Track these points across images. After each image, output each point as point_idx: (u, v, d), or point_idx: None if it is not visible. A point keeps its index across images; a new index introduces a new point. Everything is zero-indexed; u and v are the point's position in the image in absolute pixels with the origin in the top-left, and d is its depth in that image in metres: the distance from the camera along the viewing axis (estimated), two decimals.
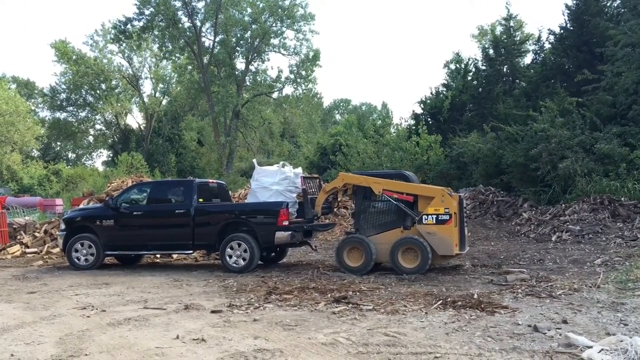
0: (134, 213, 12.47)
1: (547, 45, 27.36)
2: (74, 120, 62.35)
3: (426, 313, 7.15)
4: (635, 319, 6.57)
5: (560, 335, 5.85)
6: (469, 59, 33.16)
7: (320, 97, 60.32)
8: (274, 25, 48.15)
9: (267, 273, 11.27)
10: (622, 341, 5.26)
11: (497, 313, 7.03)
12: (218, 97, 47.12)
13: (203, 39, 48.71)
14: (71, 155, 70.34)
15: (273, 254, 13.13)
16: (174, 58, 52.40)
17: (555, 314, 6.94)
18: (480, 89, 29.22)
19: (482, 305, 7.35)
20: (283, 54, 49.42)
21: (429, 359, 5.27)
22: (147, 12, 46.56)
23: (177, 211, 12.22)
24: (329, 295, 8.45)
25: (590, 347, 5.29)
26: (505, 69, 28.49)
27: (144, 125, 61.83)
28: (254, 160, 13.75)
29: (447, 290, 8.81)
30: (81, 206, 17.02)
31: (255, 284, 9.82)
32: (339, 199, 12.30)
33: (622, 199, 15.79)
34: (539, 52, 28.34)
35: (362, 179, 11.16)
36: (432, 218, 10.33)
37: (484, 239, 16.01)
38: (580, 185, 16.79)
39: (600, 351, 5.16)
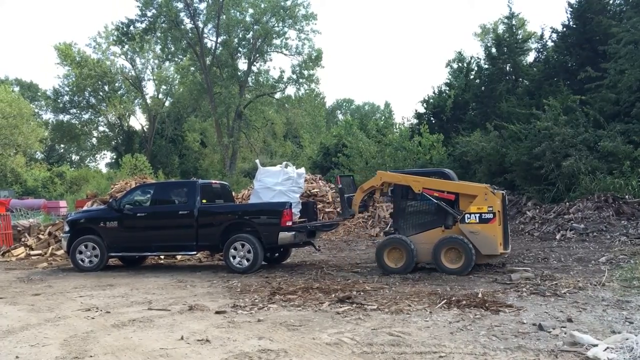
0: (138, 214, 12.49)
1: (549, 43, 27.28)
2: (77, 122, 62.56)
3: (430, 312, 7.14)
4: None
5: (565, 333, 5.82)
6: (471, 58, 33.10)
7: (322, 97, 60.33)
8: (275, 25, 48.20)
9: (271, 273, 11.26)
10: (627, 339, 5.25)
11: (502, 312, 7.01)
12: (220, 98, 47.19)
13: (205, 40, 48.85)
14: (75, 157, 70.62)
15: (277, 254, 13.12)
16: (176, 59, 52.54)
17: (560, 312, 6.92)
18: (483, 88, 29.14)
19: (487, 304, 7.33)
20: (285, 54, 49.54)
21: (433, 358, 5.26)
22: (149, 13, 46.77)
23: (180, 212, 12.23)
24: (333, 295, 8.44)
25: (596, 345, 5.27)
26: (507, 68, 28.40)
27: (147, 126, 61.99)
28: (257, 161, 13.79)
29: (452, 289, 8.79)
30: (85, 208, 17.05)
31: (259, 285, 9.82)
32: (376, 197, 12.01)
33: (627, 196, 15.73)
34: (541, 50, 28.26)
35: (400, 178, 10.92)
36: (475, 217, 10.08)
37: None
38: (584, 183, 16.74)
39: (605, 349, 5.14)
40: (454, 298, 7.82)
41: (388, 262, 10.54)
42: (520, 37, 29.43)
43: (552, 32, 26.05)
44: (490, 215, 10.01)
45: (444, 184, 10.66)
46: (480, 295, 7.94)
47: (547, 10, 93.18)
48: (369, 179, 11.95)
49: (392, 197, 11.34)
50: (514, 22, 29.08)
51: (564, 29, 24.75)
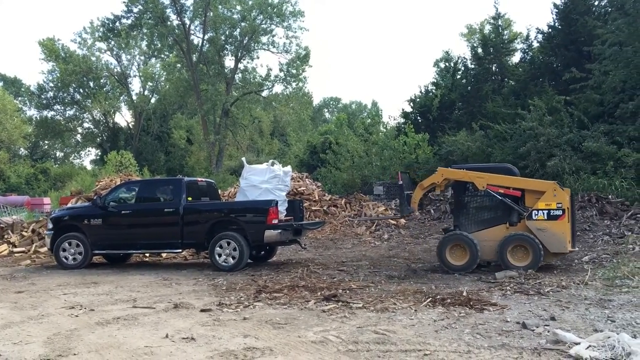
0: (123, 212, 12.41)
1: (535, 44, 27.54)
2: (61, 118, 61.84)
3: (415, 311, 7.17)
4: (623, 315, 6.62)
5: (548, 332, 5.88)
6: (458, 58, 33.30)
7: (310, 96, 60.26)
8: (263, 22, 48.02)
9: (257, 271, 11.24)
10: (609, 337, 5.30)
11: (486, 310, 7.06)
12: (207, 95, 46.98)
13: (192, 37, 48.59)
14: (59, 153, 69.86)
15: (263, 252, 13.10)
16: (162, 56, 52.20)
17: (543, 310, 6.98)
18: (469, 88, 29.33)
19: (471, 303, 7.38)
20: (272, 52, 49.34)
21: (418, 356, 5.29)
22: (135, 9, 46.37)
23: (165, 210, 12.17)
24: (319, 293, 8.44)
25: (578, 343, 5.33)
26: (494, 68, 28.62)
27: (132, 123, 61.51)
28: (243, 159, 13.76)
29: (437, 287, 8.84)
30: (69, 205, 16.90)
31: (245, 283, 9.80)
32: (436, 193, 11.66)
33: (610, 196, 15.92)
34: (527, 50, 28.50)
35: (463, 174, 10.59)
36: (544, 213, 9.84)
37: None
38: (568, 183, 16.90)
39: (587, 347, 5.20)
40: (439, 296, 7.87)
41: (450, 260, 10.26)
42: (506, 37, 29.66)
43: (538, 32, 26.32)
44: (560, 212, 9.80)
45: (510, 180, 10.37)
46: (465, 294, 7.99)
47: (533, 11, 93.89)
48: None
49: (453, 193, 11.08)
50: (500, 23, 29.30)
51: (550, 30, 24.99)
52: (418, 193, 10.89)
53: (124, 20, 47.13)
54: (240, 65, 50.19)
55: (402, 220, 18.77)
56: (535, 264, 9.76)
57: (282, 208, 12.20)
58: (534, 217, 9.93)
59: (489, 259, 10.35)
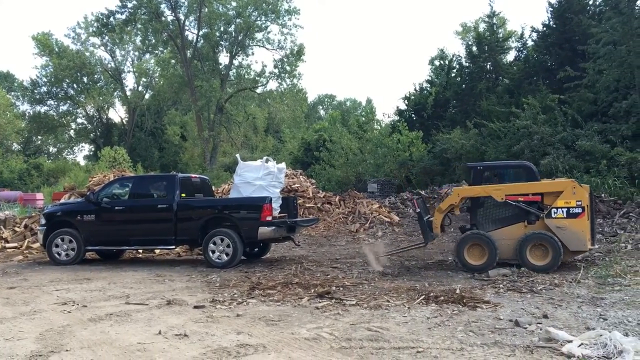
0: (116, 208, 12.37)
1: (529, 43, 27.62)
2: (55, 114, 61.53)
3: (409, 308, 7.18)
4: (615, 313, 6.66)
5: (541, 329, 5.90)
6: (453, 56, 33.35)
7: (304, 93, 60.17)
8: (258, 19, 47.91)
9: (251, 268, 11.23)
10: (601, 335, 5.33)
11: (479, 308, 7.08)
12: (201, 91, 46.84)
13: (186, 33, 48.37)
14: (52, 149, 69.47)
15: (256, 249, 13.10)
16: (157, 52, 51.95)
17: (536, 308, 7.01)
18: (463, 86, 29.40)
19: (464, 300, 7.40)
20: (267, 49, 49.23)
21: (411, 353, 5.29)
22: (129, 5, 46.09)
23: (159, 206, 12.14)
24: (313, 290, 8.45)
25: (570, 341, 5.35)
26: (488, 66, 28.68)
27: (126, 119, 61.30)
28: (237, 155, 13.71)
29: (430, 285, 8.86)
30: (62, 201, 16.83)
31: (239, 279, 9.79)
32: (456, 214, 11.38)
33: (603, 195, 15.99)
34: (521, 49, 28.59)
35: (479, 190, 10.36)
36: (563, 211, 9.69)
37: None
38: None
39: (580, 345, 5.22)
40: (432, 294, 7.88)
41: (468, 259, 10.08)
42: (501, 36, 29.73)
43: (532, 31, 26.42)
44: (579, 210, 9.66)
45: (527, 186, 10.14)
46: (458, 291, 8.01)
47: (528, 10, 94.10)
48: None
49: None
50: (494, 21, 29.33)
51: (544, 29, 25.06)
52: (438, 217, 10.61)
53: (118, 16, 46.86)
54: (235, 62, 50.12)
55: (396, 218, 18.79)
56: (555, 262, 9.63)
57: (276, 205, 12.18)
58: (553, 215, 9.79)
59: (507, 257, 10.12)
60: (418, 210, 10.69)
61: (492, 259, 9.89)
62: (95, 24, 49.61)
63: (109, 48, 57.66)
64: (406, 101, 33.20)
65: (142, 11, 45.92)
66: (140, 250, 14.25)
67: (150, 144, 57.32)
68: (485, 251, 9.99)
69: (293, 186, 20.08)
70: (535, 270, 9.56)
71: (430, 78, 35.17)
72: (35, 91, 59.29)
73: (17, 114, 56.75)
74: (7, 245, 15.65)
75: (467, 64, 30.23)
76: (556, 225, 9.73)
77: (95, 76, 59.36)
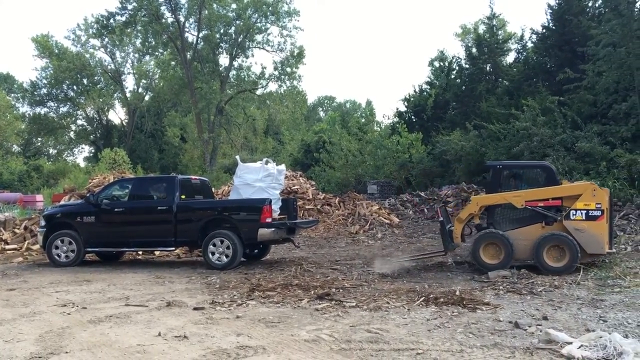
0: (116, 209, 12.35)
1: (529, 44, 27.65)
2: (55, 115, 61.50)
3: (408, 310, 7.18)
4: (614, 315, 6.66)
5: (540, 331, 5.90)
6: (452, 58, 33.38)
7: (304, 94, 60.18)
8: (258, 21, 47.94)
9: (250, 270, 11.22)
10: (601, 337, 5.33)
11: (479, 309, 7.08)
12: (201, 93, 46.84)
13: (186, 35, 48.39)
14: (52, 151, 69.46)
15: (256, 250, 13.09)
16: (156, 53, 51.97)
17: (535, 310, 7.01)
18: (463, 87, 29.42)
19: (464, 302, 7.40)
20: (267, 51, 49.25)
21: (411, 355, 5.29)
22: (130, 6, 46.13)
23: (159, 208, 12.13)
24: (312, 292, 8.44)
25: (570, 343, 5.35)
26: (488, 68, 28.70)
27: (126, 121, 61.27)
28: (237, 157, 13.70)
29: (430, 287, 8.86)
30: (62, 202, 16.82)
31: (238, 281, 9.79)
32: (475, 222, 11.25)
33: None
34: (521, 51, 28.61)
35: (498, 198, 10.26)
36: (582, 213, 9.56)
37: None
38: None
39: (579, 347, 5.23)
40: (431, 295, 7.88)
41: (484, 258, 10.02)
42: (501, 37, 29.77)
43: (532, 33, 26.44)
44: (598, 213, 9.55)
45: (546, 192, 10.04)
46: (457, 293, 8.01)
47: (528, 12, 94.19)
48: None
49: (486, 191, 10.75)
50: (494, 23, 29.37)
51: (544, 31, 25.08)
52: (458, 227, 10.58)
53: (118, 17, 46.91)
54: (235, 64, 50.13)
55: (396, 219, 18.79)
56: (572, 265, 9.52)
57: (276, 206, 12.17)
58: (572, 217, 9.68)
59: (523, 258, 10.05)
60: (441, 218, 10.66)
61: (508, 258, 9.84)
62: (95, 26, 49.67)
63: (109, 50, 57.69)
64: (406, 103, 33.22)
65: (142, 13, 45.95)
66: (140, 252, 14.24)
67: (150, 145, 57.32)
68: (501, 250, 9.94)
69: (293, 188, 20.09)
70: (551, 272, 9.51)
71: (430, 80, 35.21)
72: (35, 93, 59.29)
73: (17, 115, 56.73)
74: (7, 246, 15.63)
75: (466, 66, 30.25)
76: (575, 227, 9.64)
77: (95, 78, 59.35)
